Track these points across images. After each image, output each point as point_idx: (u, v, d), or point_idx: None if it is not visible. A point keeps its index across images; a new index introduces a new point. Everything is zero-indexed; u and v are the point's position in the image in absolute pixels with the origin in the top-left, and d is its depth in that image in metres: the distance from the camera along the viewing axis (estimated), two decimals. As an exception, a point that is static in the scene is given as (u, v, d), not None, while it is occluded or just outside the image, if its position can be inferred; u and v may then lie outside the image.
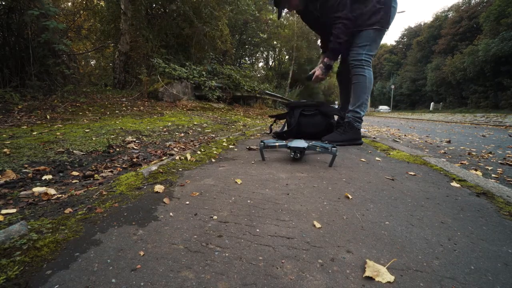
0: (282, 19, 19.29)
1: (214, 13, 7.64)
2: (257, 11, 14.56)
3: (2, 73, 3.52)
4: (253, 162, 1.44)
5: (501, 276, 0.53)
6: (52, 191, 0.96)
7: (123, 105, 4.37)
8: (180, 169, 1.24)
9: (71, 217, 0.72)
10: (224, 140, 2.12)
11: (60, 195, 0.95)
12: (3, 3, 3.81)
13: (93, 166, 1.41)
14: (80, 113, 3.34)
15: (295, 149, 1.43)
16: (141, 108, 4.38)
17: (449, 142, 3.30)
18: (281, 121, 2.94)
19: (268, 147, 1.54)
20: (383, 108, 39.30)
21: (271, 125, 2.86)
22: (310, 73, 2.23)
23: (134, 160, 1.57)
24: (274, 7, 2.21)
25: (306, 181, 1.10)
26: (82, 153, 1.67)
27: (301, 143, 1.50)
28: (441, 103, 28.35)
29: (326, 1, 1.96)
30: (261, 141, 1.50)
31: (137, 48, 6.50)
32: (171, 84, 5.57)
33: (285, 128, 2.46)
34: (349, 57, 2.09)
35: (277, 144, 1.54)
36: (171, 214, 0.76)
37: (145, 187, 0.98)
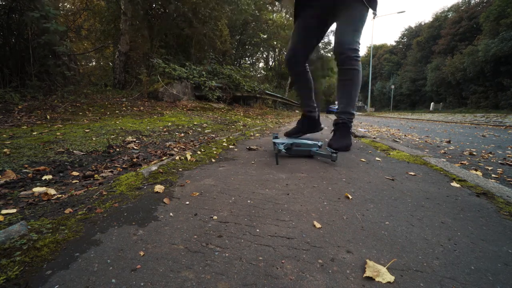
0: (282, 19, 19.30)
1: (213, 13, 7.64)
2: (257, 10, 14.55)
3: (2, 73, 3.52)
4: (253, 162, 1.44)
5: (501, 276, 0.53)
6: (52, 191, 0.96)
7: (123, 105, 4.37)
8: (180, 169, 1.24)
9: (71, 217, 0.72)
10: (224, 140, 2.12)
11: (60, 195, 0.95)
12: (3, 3, 3.81)
13: (93, 166, 1.41)
14: (80, 113, 3.33)
15: (279, 144, 1.52)
16: (141, 108, 4.37)
17: (449, 142, 3.30)
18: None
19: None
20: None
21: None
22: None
23: (134, 160, 1.56)
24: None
25: (306, 181, 1.10)
26: (82, 153, 1.67)
27: (287, 140, 1.63)
28: (441, 103, 28.33)
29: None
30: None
31: (137, 48, 6.50)
32: (171, 84, 5.57)
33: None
34: (338, 44, 1.71)
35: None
36: (171, 214, 0.76)
37: (145, 187, 0.98)
